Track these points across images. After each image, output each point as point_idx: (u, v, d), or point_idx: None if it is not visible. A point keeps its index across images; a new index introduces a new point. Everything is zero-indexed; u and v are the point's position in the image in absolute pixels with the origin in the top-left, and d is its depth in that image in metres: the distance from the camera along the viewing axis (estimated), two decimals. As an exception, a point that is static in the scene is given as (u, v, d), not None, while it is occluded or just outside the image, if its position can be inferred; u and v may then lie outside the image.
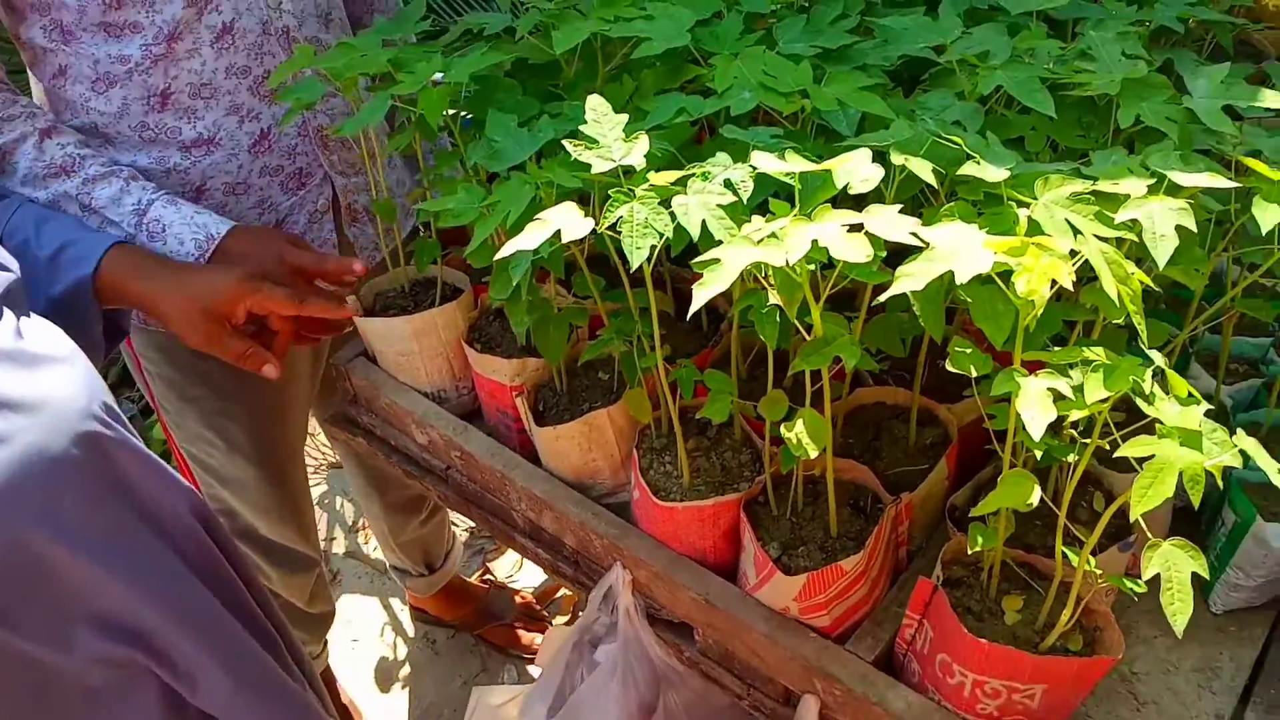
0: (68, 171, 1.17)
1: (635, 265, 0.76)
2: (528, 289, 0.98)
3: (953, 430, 1.06)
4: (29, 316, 0.85)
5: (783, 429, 0.82)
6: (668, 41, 0.99)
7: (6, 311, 0.81)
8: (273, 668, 0.94)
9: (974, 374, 0.81)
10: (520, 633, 2.26)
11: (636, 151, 0.81)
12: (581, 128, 0.83)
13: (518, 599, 2.31)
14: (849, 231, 0.74)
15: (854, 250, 0.72)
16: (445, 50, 1.14)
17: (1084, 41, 1.03)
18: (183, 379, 1.42)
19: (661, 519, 1.04)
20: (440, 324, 1.24)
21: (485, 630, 2.26)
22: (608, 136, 0.82)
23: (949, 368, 0.82)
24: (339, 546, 2.63)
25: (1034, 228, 0.82)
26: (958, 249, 0.72)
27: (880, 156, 0.85)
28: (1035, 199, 0.83)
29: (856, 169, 0.81)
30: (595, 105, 0.84)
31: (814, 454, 0.80)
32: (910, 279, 0.71)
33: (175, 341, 1.27)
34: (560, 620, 2.30)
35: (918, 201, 0.92)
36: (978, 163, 0.84)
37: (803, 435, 0.80)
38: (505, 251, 0.79)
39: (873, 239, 0.74)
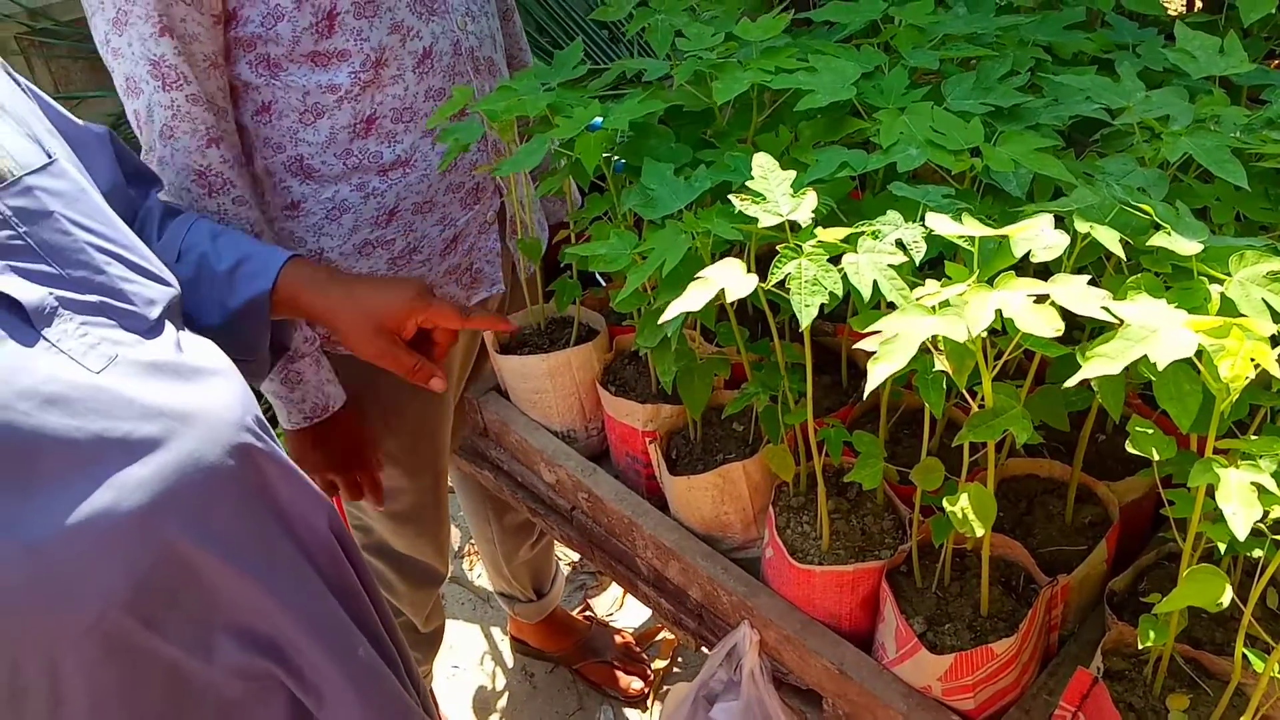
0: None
1: (806, 324, 0.74)
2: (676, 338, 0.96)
3: (1114, 510, 1.00)
4: (186, 331, 0.88)
5: (945, 502, 0.78)
6: (831, 95, 0.97)
7: (168, 325, 0.84)
8: (395, 686, 0.94)
9: (1157, 457, 0.76)
10: (619, 673, 2.23)
11: (804, 207, 0.79)
12: (749, 182, 0.81)
13: (618, 638, 2.28)
14: (1035, 302, 0.71)
15: (1041, 324, 0.68)
16: (600, 95, 1.14)
17: (1273, 109, 0.98)
18: (349, 393, 1.44)
19: (796, 580, 1.00)
20: (575, 364, 1.24)
21: (583, 666, 2.24)
22: (774, 191, 0.80)
23: (1129, 449, 0.77)
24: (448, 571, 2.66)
25: (1228, 306, 0.77)
26: (1155, 329, 0.68)
27: (1058, 222, 0.81)
28: (1229, 275, 0.78)
29: (1039, 236, 0.78)
30: (763, 161, 0.82)
31: (980, 533, 0.76)
32: (1106, 361, 0.68)
33: (346, 359, 1.29)
34: (660, 664, 2.27)
35: (1094, 273, 0.88)
36: (1168, 233, 0.79)
37: (968, 511, 0.77)
38: (670, 314, 0.77)
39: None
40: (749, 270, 0.79)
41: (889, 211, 0.82)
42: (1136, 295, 0.77)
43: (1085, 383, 0.72)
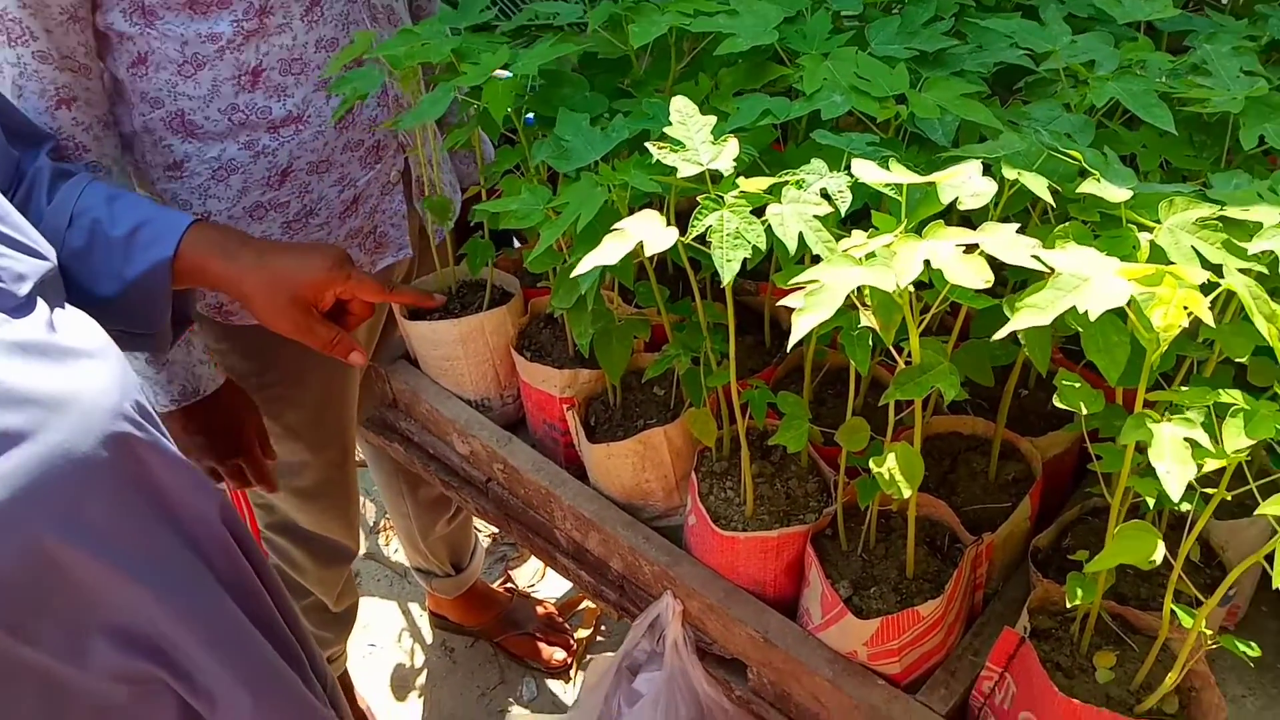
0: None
1: (728, 280, 0.69)
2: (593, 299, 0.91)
3: (1036, 466, 0.98)
4: (64, 308, 0.80)
5: (872, 463, 0.75)
6: (753, 39, 0.93)
7: (40, 302, 0.76)
8: (296, 686, 0.88)
9: (1084, 411, 0.74)
10: (541, 644, 2.20)
11: (726, 155, 0.75)
12: (666, 129, 0.76)
13: (539, 609, 2.24)
14: (964, 252, 0.67)
15: (971, 274, 0.65)
16: (509, 41, 1.08)
17: (1196, 55, 0.96)
18: (249, 366, 1.38)
19: (720, 548, 0.97)
20: (488, 329, 1.18)
21: (505, 639, 2.20)
22: (694, 139, 0.76)
23: (1057, 404, 0.75)
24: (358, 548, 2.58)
25: (1157, 254, 0.75)
26: (1088, 278, 0.65)
27: (985, 169, 0.78)
28: (1158, 222, 0.76)
29: (967, 183, 0.74)
30: (681, 106, 0.77)
31: (908, 494, 0.73)
32: (1035, 312, 0.65)
33: (244, 329, 1.21)
34: (583, 633, 2.24)
35: (1019, 222, 0.85)
36: (1098, 180, 0.77)
37: (895, 472, 0.74)
38: (583, 267, 0.72)
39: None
40: (668, 224, 0.75)
41: (813, 160, 0.77)
42: (1065, 244, 0.75)
43: (1011, 336, 0.70)
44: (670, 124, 0.86)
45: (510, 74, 0.97)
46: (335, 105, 1.23)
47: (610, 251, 0.72)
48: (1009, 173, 0.77)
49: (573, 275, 0.75)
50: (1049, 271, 0.68)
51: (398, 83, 1.08)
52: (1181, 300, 0.65)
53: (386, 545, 2.56)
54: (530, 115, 1.05)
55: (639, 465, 1.05)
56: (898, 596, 0.89)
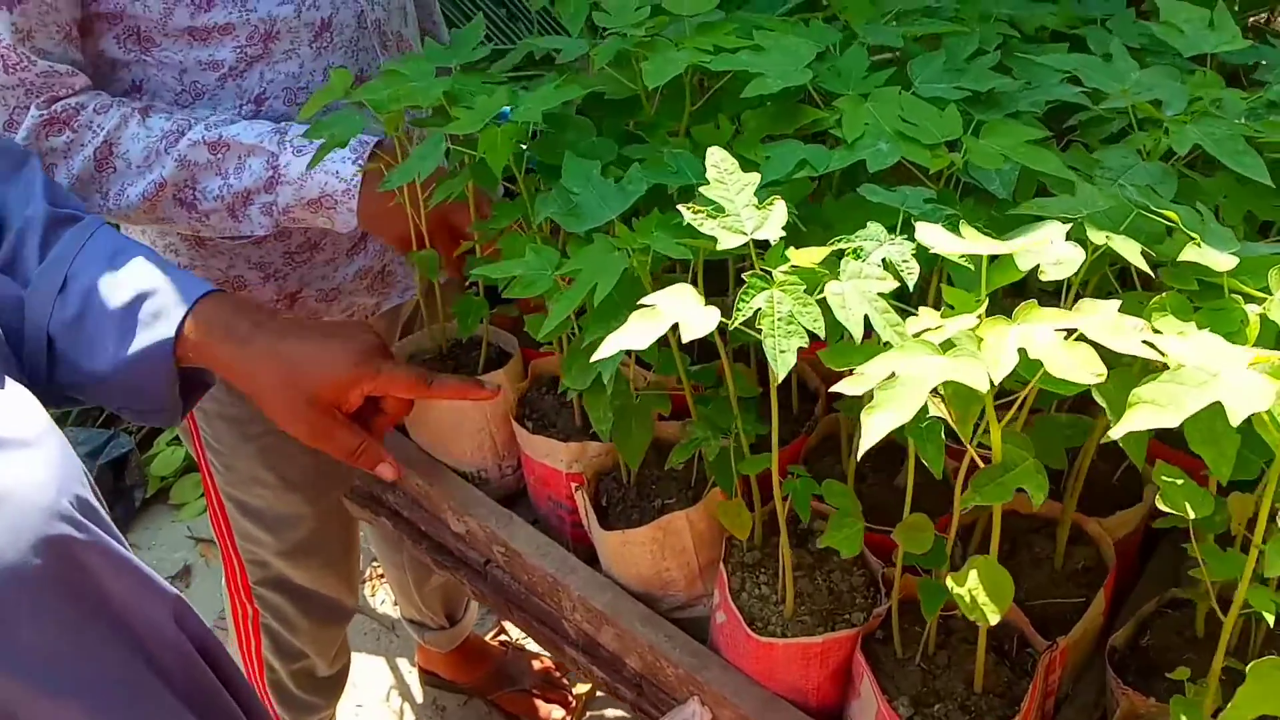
0: (183, 132, 1.03)
1: (782, 375, 0.58)
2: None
3: (1108, 552, 0.88)
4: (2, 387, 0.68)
5: (951, 583, 0.64)
6: (784, 79, 0.82)
7: None
8: None
9: (1192, 515, 0.64)
10: (538, 702, 2.08)
11: (774, 223, 0.64)
12: (703, 189, 0.65)
13: (536, 664, 2.12)
14: (1064, 338, 0.57)
15: (1079, 368, 0.55)
16: (508, 78, 0.97)
17: (1273, 91, 0.87)
18: (246, 415, 1.28)
19: (756, 653, 0.86)
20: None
21: (500, 697, 2.08)
22: (735, 201, 0.65)
23: (1160, 506, 0.64)
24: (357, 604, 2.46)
25: (1268, 329, 0.64)
26: (1215, 373, 0.54)
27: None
28: (1267, 292, 0.66)
29: (1050, 249, 0.64)
30: (719, 161, 0.66)
31: (995, 620, 0.62)
32: (1157, 411, 0.54)
33: None
34: (581, 689, 2.12)
35: (1098, 292, 0.75)
36: (1198, 244, 0.66)
37: (979, 593, 0.63)
38: (606, 350, 0.61)
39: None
40: (700, 292, 0.64)
41: (870, 225, 0.67)
42: (1162, 318, 0.65)
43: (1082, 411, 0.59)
44: (693, 175, 0.76)
45: (510, 118, 0.86)
46: None
47: (639, 334, 0.61)
48: (1095, 236, 0.66)
49: (592, 359, 0.63)
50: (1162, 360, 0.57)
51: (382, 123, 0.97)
52: (1326, 396, 0.54)
53: (373, 596, 2.43)
54: (532, 162, 0.94)
55: (658, 553, 0.94)
56: (966, 715, 0.78)
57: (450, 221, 1.04)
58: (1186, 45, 0.89)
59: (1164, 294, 0.66)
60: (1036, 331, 0.57)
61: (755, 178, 0.65)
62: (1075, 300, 0.69)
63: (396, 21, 1.20)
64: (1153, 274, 0.69)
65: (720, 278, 0.95)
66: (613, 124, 0.96)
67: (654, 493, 0.99)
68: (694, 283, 0.73)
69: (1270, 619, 0.64)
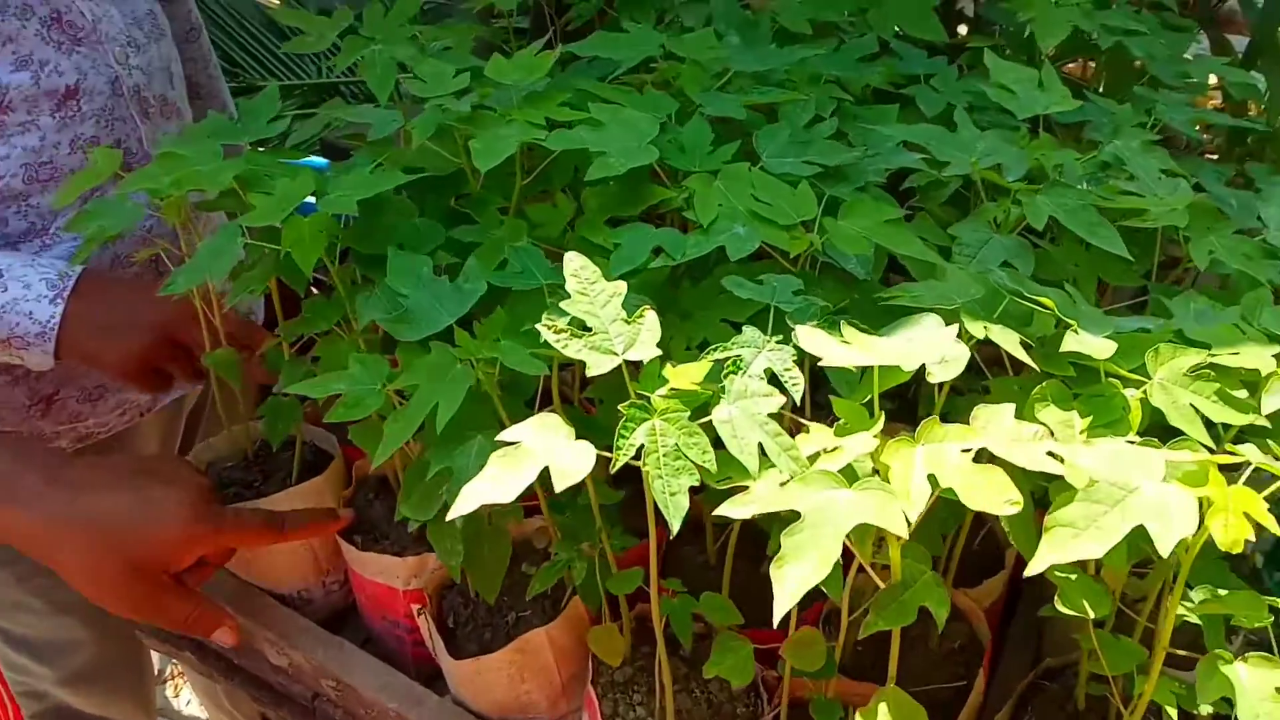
0: None
1: (678, 523, 0.51)
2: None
3: (982, 628, 0.86)
4: None
5: (859, 717, 0.58)
6: (629, 160, 0.75)
7: None
8: None
9: (1092, 615, 0.61)
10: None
11: (647, 339, 0.56)
12: (563, 303, 0.57)
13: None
14: (972, 460, 0.52)
15: (995, 498, 0.50)
16: (302, 151, 0.86)
17: (1106, 153, 0.87)
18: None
19: (638, 784, 0.78)
20: (302, 508, 0.94)
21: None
22: (600, 316, 0.57)
23: (1058, 608, 0.62)
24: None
25: (1150, 415, 0.63)
26: (1133, 487, 0.51)
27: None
28: (1143, 374, 0.64)
29: (935, 347, 0.60)
30: (578, 268, 0.58)
31: (913, 761, 0.57)
32: (1078, 536, 0.50)
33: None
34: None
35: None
36: (1076, 332, 0.64)
37: (893, 731, 0.57)
38: (464, 505, 0.52)
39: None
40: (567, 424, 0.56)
41: (745, 328, 0.61)
42: (1044, 409, 0.62)
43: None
44: (541, 274, 0.68)
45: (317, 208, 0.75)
46: None
47: (504, 485, 0.52)
48: (974, 327, 0.63)
49: (449, 516, 0.54)
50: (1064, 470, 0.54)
51: (160, 211, 0.84)
52: (1238, 504, 0.52)
53: (176, 697, 2.20)
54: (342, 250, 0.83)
55: (516, 676, 0.85)
56: (867, 833, 0.72)
57: (177, 338, 0.95)
58: (1020, 107, 0.89)
59: (1043, 384, 0.63)
60: (944, 453, 0.52)
61: (621, 288, 0.58)
62: (942, 390, 0.66)
63: (159, 84, 1.06)
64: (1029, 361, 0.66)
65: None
66: (435, 202, 0.86)
67: (505, 604, 0.89)
68: (546, 399, 0.65)
69: (1174, 713, 0.62)
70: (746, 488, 0.56)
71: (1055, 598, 0.62)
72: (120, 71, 1.00)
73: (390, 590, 0.91)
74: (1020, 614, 0.96)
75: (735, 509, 0.56)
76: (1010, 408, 0.56)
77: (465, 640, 0.88)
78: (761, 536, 0.77)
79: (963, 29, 1.34)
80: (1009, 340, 0.63)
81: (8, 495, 0.72)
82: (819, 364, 0.60)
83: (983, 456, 0.54)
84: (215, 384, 0.96)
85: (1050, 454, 0.53)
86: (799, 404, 0.58)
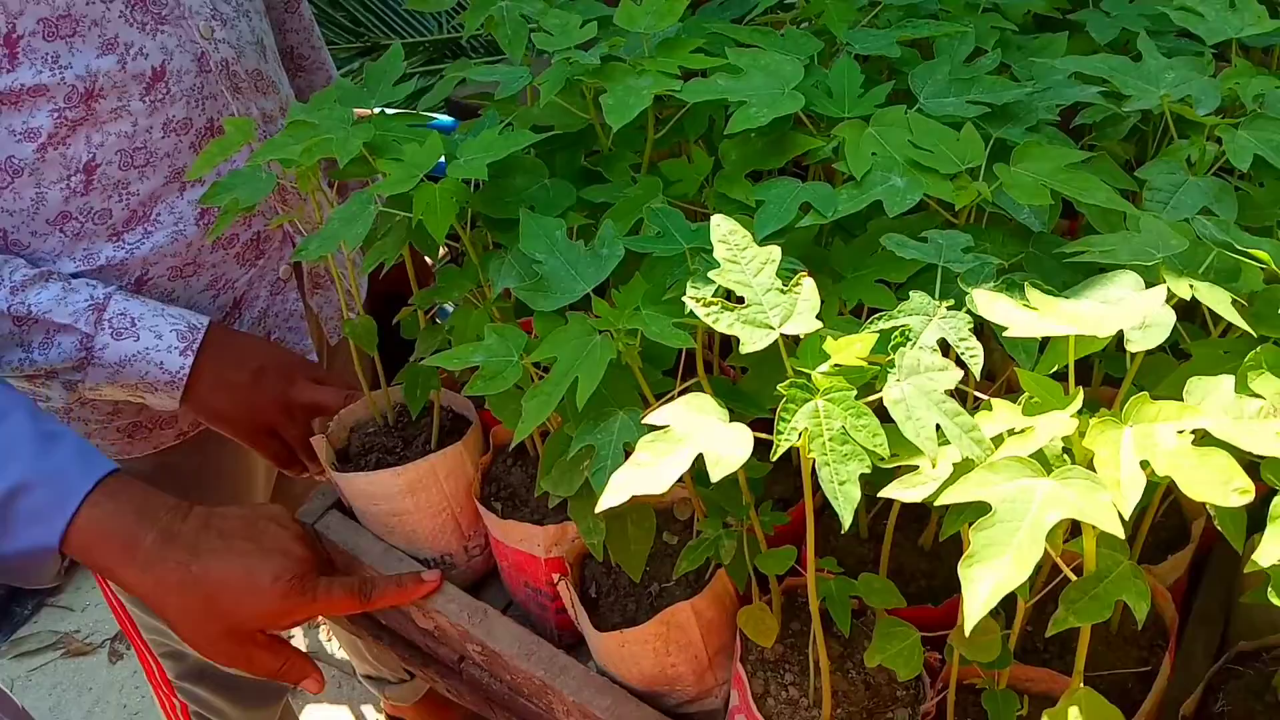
0: None
1: (849, 516, 0.46)
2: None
3: (1169, 610, 0.78)
4: None
5: (1046, 718, 0.53)
6: (772, 108, 0.69)
7: None
8: None
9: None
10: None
11: (805, 310, 0.51)
12: (712, 273, 0.53)
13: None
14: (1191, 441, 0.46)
15: (1219, 487, 0.44)
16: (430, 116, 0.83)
17: (1312, 79, 0.77)
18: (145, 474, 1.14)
19: (791, 766, 0.75)
20: (442, 474, 0.93)
21: (477, 733, 1.96)
22: (753, 284, 0.52)
23: (1272, 599, 0.55)
24: (297, 644, 2.30)
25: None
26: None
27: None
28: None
29: (1136, 310, 0.53)
30: (728, 234, 0.54)
31: (1109, 770, 0.52)
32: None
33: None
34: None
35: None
36: (1295, 289, 0.56)
37: (1086, 736, 0.52)
38: (614, 496, 0.48)
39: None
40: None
41: (913, 294, 0.55)
42: (1258, 377, 0.54)
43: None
44: (683, 238, 0.63)
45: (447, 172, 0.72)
46: (193, 198, 1.00)
47: (658, 476, 0.49)
48: (1178, 285, 0.56)
49: (598, 507, 0.51)
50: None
51: (293, 178, 0.83)
52: None
53: (329, 640, 2.28)
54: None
55: (662, 650, 0.82)
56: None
57: (301, 401, 0.98)
58: (1209, 31, 0.79)
59: (1257, 349, 0.55)
60: (1156, 434, 0.45)
61: (775, 253, 0.53)
62: (1134, 360, 0.59)
63: (251, 59, 1.04)
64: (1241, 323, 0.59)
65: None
66: (565, 161, 0.83)
67: (647, 575, 0.86)
68: (685, 366, 0.61)
69: None
70: (915, 466, 0.52)
71: (1268, 586, 0.55)
72: (206, 47, 0.98)
73: (531, 558, 0.89)
74: (1205, 590, 0.88)
75: (904, 491, 0.51)
76: (1229, 380, 0.49)
77: (608, 610, 0.86)
78: (913, 506, 0.72)
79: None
80: (1219, 300, 0.55)
81: (128, 558, 0.77)
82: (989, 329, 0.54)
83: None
84: (354, 352, 0.96)
85: None
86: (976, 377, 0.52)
